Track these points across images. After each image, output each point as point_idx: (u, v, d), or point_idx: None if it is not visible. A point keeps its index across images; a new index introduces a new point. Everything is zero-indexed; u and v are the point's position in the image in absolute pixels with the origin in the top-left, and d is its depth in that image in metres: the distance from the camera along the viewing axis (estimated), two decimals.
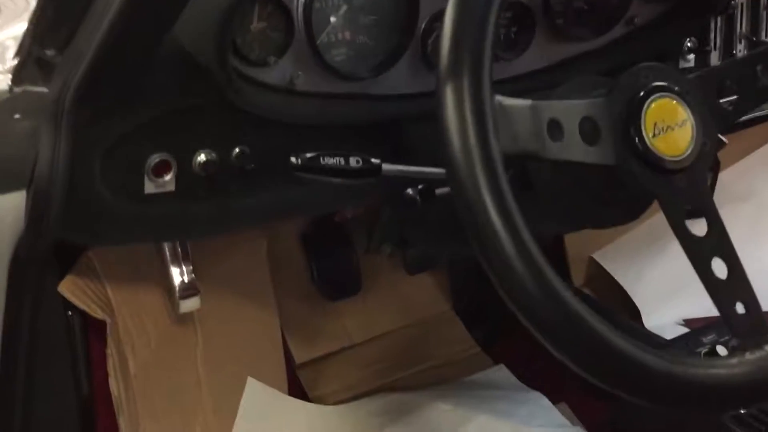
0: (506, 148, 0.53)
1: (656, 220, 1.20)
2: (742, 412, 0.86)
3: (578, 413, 1.09)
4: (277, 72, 0.72)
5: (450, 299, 1.21)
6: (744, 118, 0.68)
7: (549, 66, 0.85)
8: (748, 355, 0.55)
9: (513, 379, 1.14)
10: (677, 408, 0.55)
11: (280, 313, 1.01)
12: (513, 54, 0.82)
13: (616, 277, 1.17)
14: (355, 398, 1.08)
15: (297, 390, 1.06)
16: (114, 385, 0.80)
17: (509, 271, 0.51)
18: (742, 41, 0.98)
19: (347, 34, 0.76)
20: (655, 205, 0.67)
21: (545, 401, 1.07)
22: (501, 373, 1.15)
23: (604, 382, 0.53)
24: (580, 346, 0.52)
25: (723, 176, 1.19)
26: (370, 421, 1.04)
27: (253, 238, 0.96)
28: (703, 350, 0.89)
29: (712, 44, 0.94)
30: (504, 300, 0.53)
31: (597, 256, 1.21)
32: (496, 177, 0.52)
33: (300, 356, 1.07)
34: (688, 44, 0.92)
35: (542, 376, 1.15)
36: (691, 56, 0.93)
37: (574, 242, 1.21)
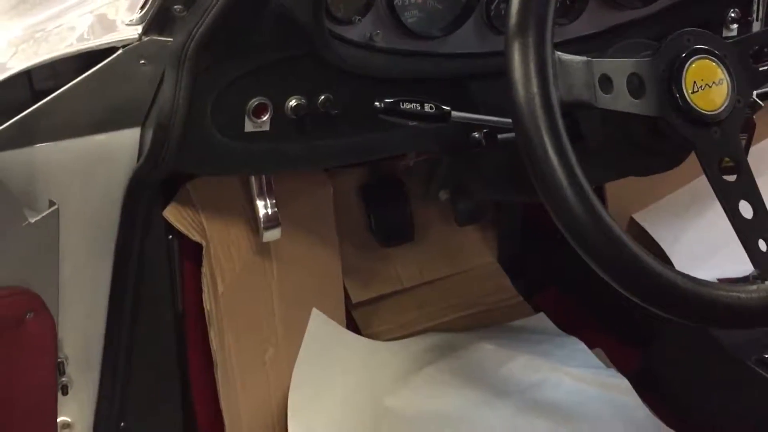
0: (563, 96, 0.62)
1: (696, 183, 1.24)
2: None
3: (612, 359, 1.14)
4: (360, 30, 0.82)
5: (495, 252, 1.27)
6: None
7: (599, 32, 0.93)
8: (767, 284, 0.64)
9: (552, 326, 1.20)
10: (699, 323, 0.64)
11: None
12: (567, 19, 0.91)
13: (655, 238, 1.20)
14: (404, 337, 1.15)
15: (352, 327, 1.13)
16: (207, 301, 0.91)
17: (563, 199, 0.60)
18: None
19: None
20: (697, 169, 0.71)
21: (582, 345, 1.13)
22: (541, 320, 1.21)
23: (639, 297, 0.62)
24: (620, 265, 0.61)
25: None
26: (420, 357, 1.11)
27: (322, 184, 1.04)
28: None
29: (755, 15, 0.99)
30: (557, 225, 0.62)
31: (637, 217, 1.24)
32: (554, 119, 0.61)
33: (356, 296, 1.15)
34: (732, 14, 0.98)
35: (579, 325, 1.21)
36: (735, 26, 0.99)
37: (616, 203, 1.23)
